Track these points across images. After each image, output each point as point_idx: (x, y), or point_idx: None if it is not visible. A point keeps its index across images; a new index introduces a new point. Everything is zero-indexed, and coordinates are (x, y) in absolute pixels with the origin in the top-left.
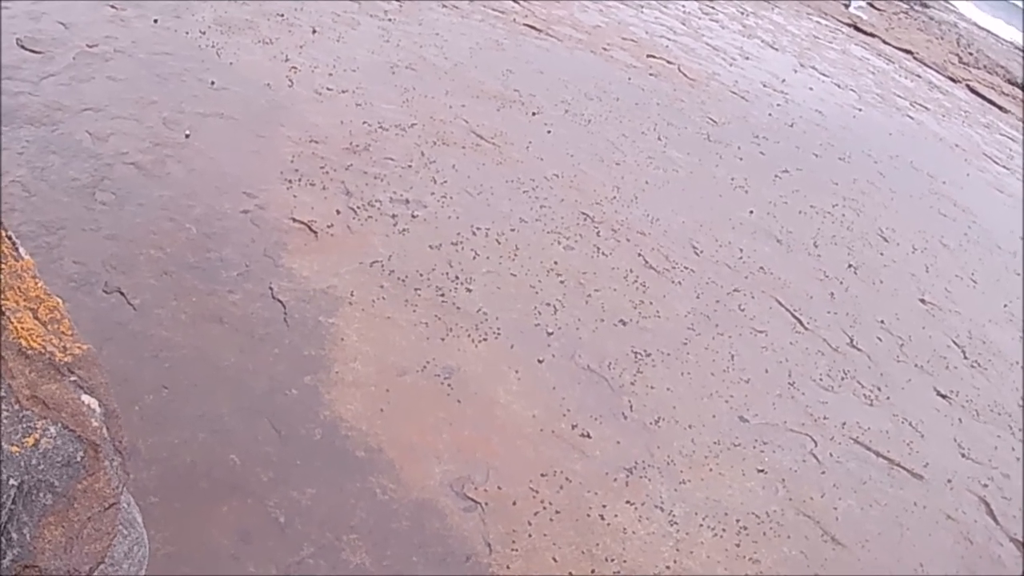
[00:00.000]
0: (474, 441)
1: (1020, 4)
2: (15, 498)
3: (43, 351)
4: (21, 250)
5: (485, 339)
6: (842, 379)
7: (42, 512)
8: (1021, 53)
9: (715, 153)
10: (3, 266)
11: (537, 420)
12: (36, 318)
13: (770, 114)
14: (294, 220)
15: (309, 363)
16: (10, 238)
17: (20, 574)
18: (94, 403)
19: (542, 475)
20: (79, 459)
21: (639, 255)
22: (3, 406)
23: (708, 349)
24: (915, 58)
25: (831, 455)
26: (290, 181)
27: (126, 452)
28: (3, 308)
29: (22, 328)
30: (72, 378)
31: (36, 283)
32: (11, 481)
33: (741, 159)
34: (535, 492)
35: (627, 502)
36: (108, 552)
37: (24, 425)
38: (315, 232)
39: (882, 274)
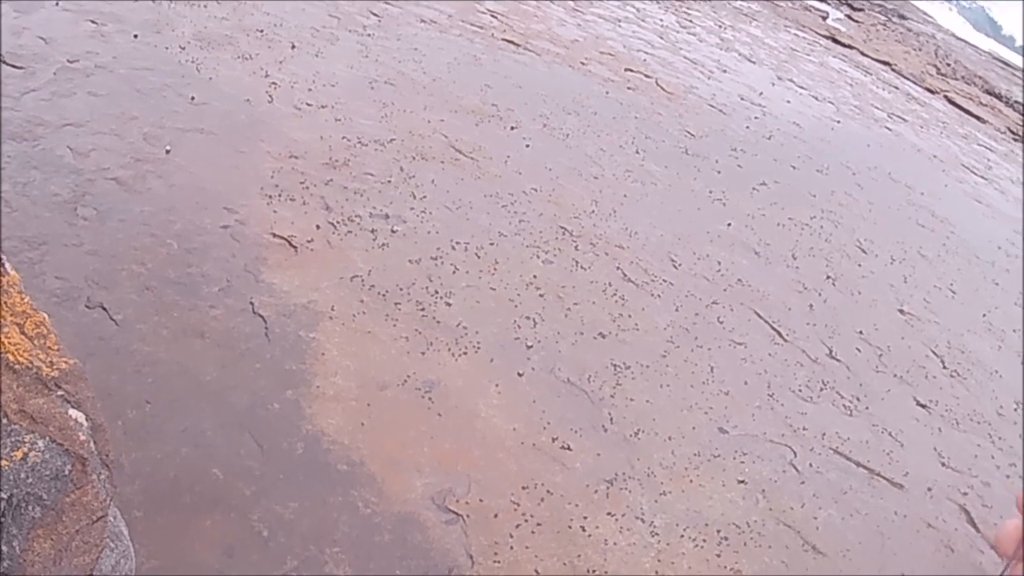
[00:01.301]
0: (455, 454)
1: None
2: (4, 511)
3: (30, 366)
4: (7, 265)
5: (465, 353)
6: (821, 390)
7: (31, 525)
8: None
9: (693, 166)
10: None
11: (518, 433)
12: (23, 333)
13: (748, 127)
14: (274, 235)
15: (290, 377)
16: None
17: None
18: (81, 417)
19: (523, 487)
20: (67, 472)
21: (618, 268)
22: None
23: (687, 361)
24: (893, 69)
25: (811, 465)
26: (270, 196)
27: (112, 466)
28: None
29: (9, 343)
30: (59, 392)
31: (22, 298)
32: (0, 495)
33: (719, 172)
34: (516, 504)
35: (608, 514)
36: (96, 565)
37: (12, 439)
38: (295, 247)
39: (860, 285)
